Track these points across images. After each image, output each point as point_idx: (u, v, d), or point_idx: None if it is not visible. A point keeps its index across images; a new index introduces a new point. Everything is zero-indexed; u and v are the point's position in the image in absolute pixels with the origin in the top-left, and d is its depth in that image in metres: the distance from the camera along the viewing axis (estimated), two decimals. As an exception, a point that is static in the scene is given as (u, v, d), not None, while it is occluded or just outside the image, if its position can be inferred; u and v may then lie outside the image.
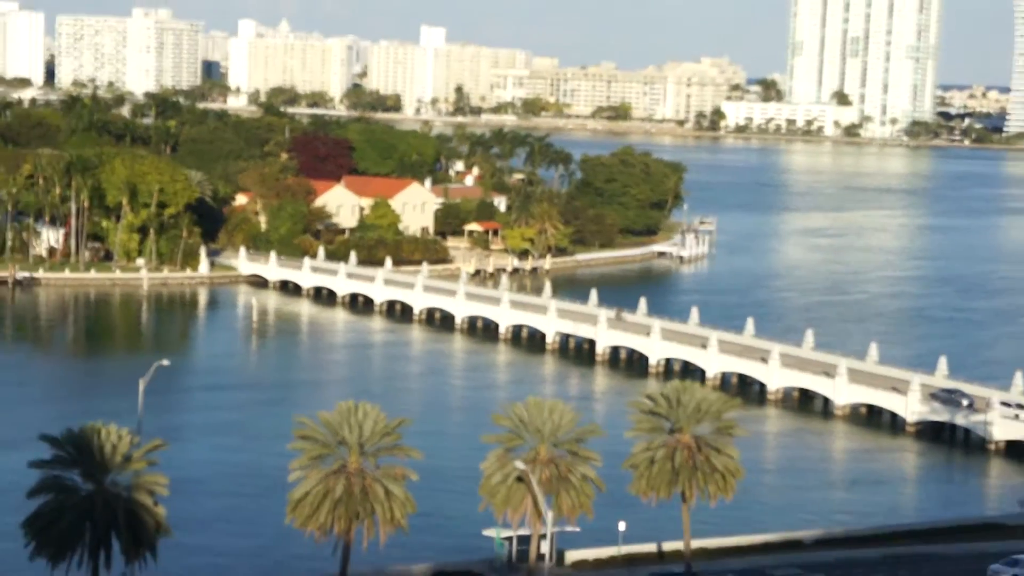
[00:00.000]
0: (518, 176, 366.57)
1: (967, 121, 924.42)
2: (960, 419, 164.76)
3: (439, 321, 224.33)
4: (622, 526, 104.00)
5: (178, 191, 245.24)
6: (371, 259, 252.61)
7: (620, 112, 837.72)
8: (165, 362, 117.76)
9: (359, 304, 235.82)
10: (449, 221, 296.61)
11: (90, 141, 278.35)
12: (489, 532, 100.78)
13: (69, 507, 76.72)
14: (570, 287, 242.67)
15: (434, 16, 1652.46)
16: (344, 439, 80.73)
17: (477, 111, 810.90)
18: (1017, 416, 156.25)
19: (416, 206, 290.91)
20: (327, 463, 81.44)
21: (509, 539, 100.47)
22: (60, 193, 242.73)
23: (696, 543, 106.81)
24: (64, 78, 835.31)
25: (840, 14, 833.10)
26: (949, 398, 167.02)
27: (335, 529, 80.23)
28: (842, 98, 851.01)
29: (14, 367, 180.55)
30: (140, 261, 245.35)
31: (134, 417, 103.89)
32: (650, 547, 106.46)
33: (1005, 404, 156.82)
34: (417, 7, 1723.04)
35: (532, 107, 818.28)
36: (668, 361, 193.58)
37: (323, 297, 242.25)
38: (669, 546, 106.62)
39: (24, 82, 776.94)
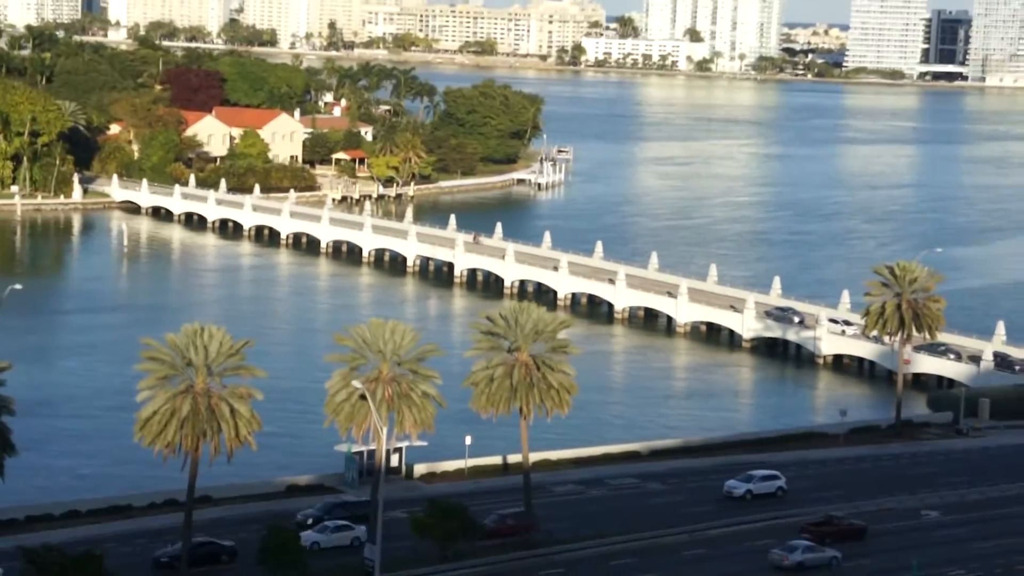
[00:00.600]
0: (384, 108, 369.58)
1: (810, 57, 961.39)
2: (792, 335, 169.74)
3: (305, 245, 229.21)
4: (468, 440, 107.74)
5: (51, 120, 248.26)
6: (241, 187, 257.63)
7: (486, 47, 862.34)
8: (18, 286, 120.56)
9: (228, 229, 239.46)
10: (317, 150, 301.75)
11: None
12: (340, 448, 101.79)
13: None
14: (432, 213, 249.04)
15: None
16: (191, 360, 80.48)
17: (350, 46, 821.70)
18: (843, 332, 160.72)
19: (285, 136, 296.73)
20: (174, 383, 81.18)
21: (360, 454, 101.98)
22: None
23: (540, 456, 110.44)
24: None
25: None
26: (782, 316, 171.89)
27: (183, 447, 79.35)
28: (694, 35, 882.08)
29: None
30: (14, 188, 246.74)
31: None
32: (495, 460, 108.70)
33: (832, 321, 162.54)
34: None
35: (402, 42, 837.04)
36: (523, 283, 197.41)
37: (194, 223, 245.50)
38: (514, 459, 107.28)
39: None
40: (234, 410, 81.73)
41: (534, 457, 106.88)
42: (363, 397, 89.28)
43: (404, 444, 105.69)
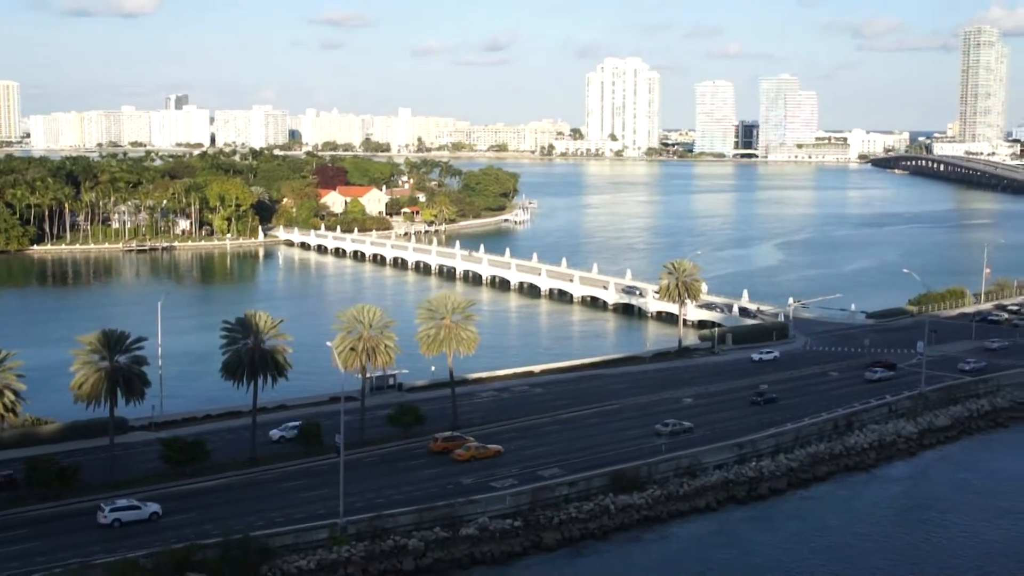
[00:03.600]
0: (433, 183, 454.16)
1: (675, 146, 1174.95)
2: (636, 301, 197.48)
3: (378, 260, 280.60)
4: (432, 369, 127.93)
5: (246, 198, 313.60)
6: (348, 229, 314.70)
7: (502, 148, 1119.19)
8: (168, 293, 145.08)
9: (340, 253, 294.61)
10: (394, 207, 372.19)
11: (211, 174, 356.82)
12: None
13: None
14: (455, 239, 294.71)
15: (405, 100, 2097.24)
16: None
17: (429, 150, 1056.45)
18: (649, 297, 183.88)
19: (375, 200, 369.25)
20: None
21: (371, 378, 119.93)
22: (185, 200, 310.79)
23: (471, 375, 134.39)
24: (220, 142, 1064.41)
25: (609, 94, 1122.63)
26: (631, 290, 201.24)
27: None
28: (613, 137, 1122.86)
29: (169, 288, 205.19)
30: (228, 236, 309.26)
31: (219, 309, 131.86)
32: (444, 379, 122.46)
33: (655, 293, 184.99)
34: (395, 95, 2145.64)
35: (457, 147, 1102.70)
36: (493, 277, 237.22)
37: (322, 250, 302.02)
38: (457, 378, 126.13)
39: (199, 145, 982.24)
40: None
41: (472, 376, 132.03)
42: (352, 349, 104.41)
43: (396, 372, 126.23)
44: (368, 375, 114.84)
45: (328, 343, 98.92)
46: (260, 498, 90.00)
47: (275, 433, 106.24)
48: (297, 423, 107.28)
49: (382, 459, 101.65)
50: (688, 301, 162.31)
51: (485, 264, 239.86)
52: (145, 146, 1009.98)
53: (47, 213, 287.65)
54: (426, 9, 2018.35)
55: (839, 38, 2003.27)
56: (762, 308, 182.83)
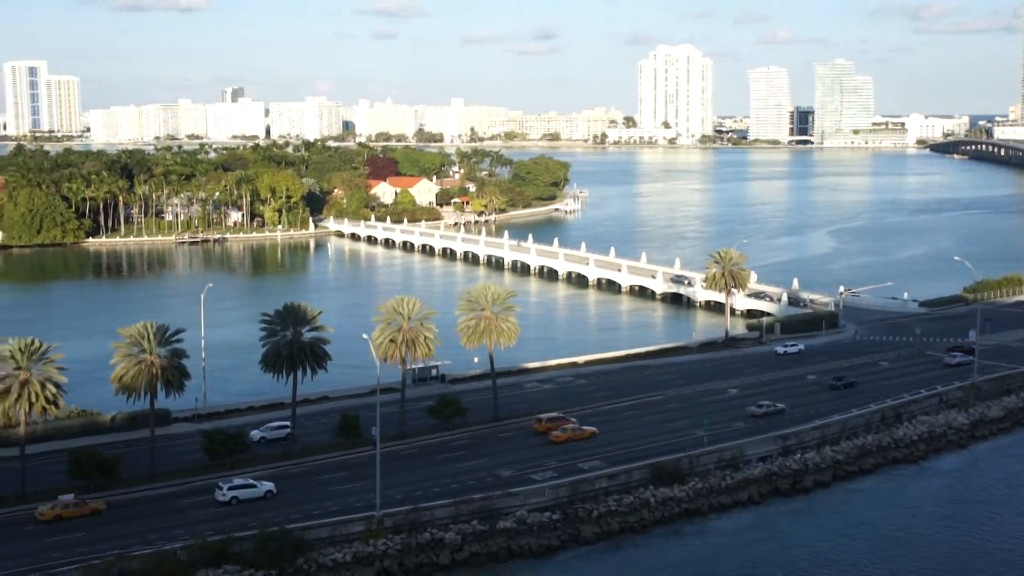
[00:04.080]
0: (484, 172, 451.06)
1: (729, 133, 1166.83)
2: (684, 291, 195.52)
3: (427, 250, 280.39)
4: (476, 360, 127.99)
5: (297, 189, 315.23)
6: (399, 220, 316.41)
7: (554, 136, 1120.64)
8: (210, 285, 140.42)
9: (390, 243, 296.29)
10: (443, 197, 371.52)
11: (263, 166, 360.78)
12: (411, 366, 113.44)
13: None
14: (505, 229, 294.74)
15: (457, 90, 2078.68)
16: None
17: (481, 139, 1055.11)
18: (697, 286, 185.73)
19: (425, 191, 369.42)
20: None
21: (413, 370, 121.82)
22: (236, 192, 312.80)
23: (516, 367, 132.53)
24: (275, 134, 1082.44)
25: (663, 82, 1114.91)
26: (679, 279, 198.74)
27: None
28: (666, 125, 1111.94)
29: (220, 279, 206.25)
30: (279, 227, 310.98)
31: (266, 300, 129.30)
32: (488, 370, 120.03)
33: (703, 282, 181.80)
34: (443, 85, 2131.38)
35: (510, 136, 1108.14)
36: (541, 267, 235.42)
37: (372, 240, 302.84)
38: (500, 369, 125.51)
39: (254, 137, 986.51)
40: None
41: (517, 367, 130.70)
42: (392, 340, 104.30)
43: (439, 363, 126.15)
44: (410, 367, 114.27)
45: (365, 335, 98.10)
46: (296, 490, 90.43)
47: (256, 434, 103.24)
48: (283, 424, 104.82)
49: (421, 451, 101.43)
50: (735, 290, 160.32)
51: (533, 254, 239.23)
52: (201, 139, 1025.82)
53: (102, 206, 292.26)
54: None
55: (894, 21, 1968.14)
56: (813, 297, 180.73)
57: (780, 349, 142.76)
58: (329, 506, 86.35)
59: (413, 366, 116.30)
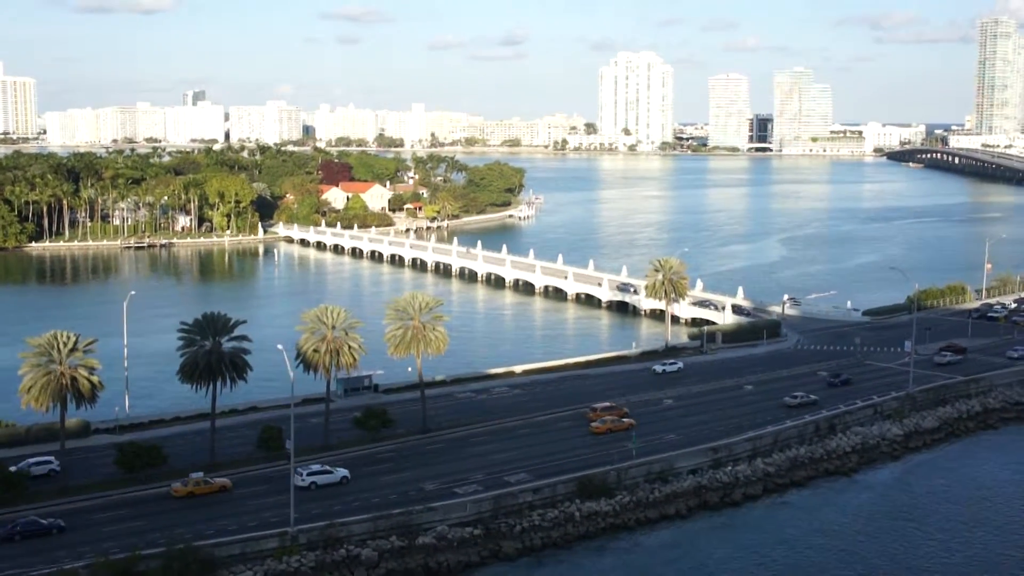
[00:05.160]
0: (439, 178, 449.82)
1: (689, 140, 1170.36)
2: (630, 299, 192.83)
3: (376, 256, 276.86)
4: (409, 369, 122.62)
5: (246, 194, 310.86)
6: (348, 225, 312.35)
7: (515, 143, 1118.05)
8: (132, 292, 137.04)
9: (338, 249, 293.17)
10: (397, 203, 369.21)
11: (215, 170, 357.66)
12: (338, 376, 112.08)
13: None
14: (457, 236, 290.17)
15: (420, 95, 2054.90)
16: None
17: (442, 145, 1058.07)
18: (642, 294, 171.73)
19: (377, 196, 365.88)
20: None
21: (344, 380, 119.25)
22: (184, 197, 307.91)
23: (451, 376, 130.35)
24: (234, 138, 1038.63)
25: (623, 88, 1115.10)
26: (625, 287, 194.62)
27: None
28: (627, 131, 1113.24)
29: (162, 287, 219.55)
30: (227, 232, 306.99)
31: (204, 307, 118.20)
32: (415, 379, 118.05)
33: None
34: (407, 90, 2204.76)
35: (471, 142, 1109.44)
36: (489, 274, 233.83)
37: (321, 246, 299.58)
38: (436, 379, 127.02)
39: (213, 141, 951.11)
40: (350, 347, 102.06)
41: (452, 377, 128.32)
42: (315, 351, 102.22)
43: (372, 373, 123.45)
44: (341, 377, 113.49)
45: (279, 346, 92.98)
46: (212, 505, 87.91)
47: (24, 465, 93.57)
48: (47, 459, 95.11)
49: (345, 464, 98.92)
50: (676, 299, 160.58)
51: (480, 261, 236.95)
52: (160, 142, 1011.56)
53: (45, 210, 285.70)
54: (442, 4, 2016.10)
55: (857, 30, 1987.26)
56: (757, 305, 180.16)
57: (659, 368, 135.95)
58: (246, 521, 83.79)
59: (344, 376, 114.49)
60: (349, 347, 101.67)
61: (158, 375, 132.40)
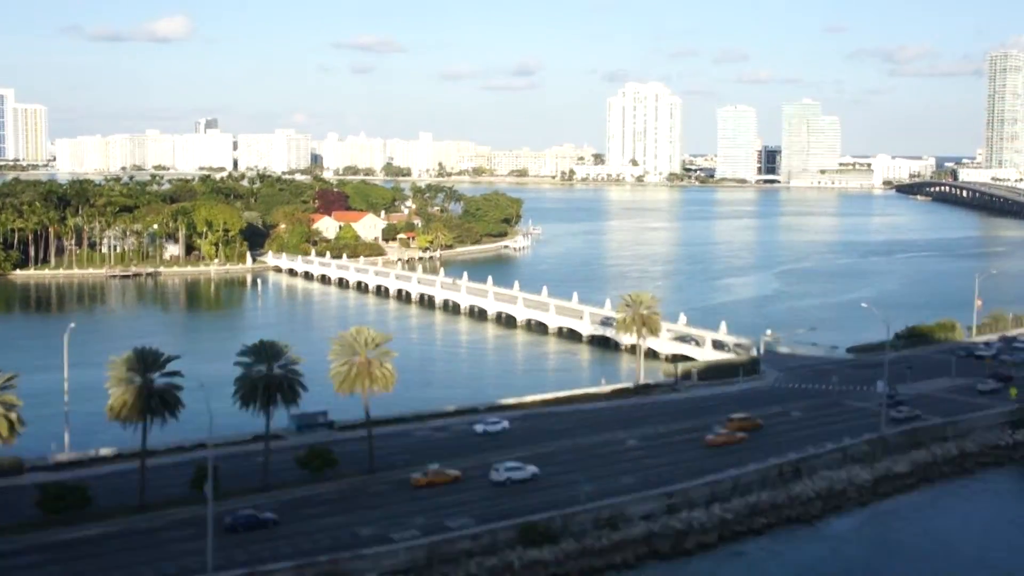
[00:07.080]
0: (437, 208, 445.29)
1: (697, 171, 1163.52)
2: (610, 333, 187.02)
3: (363, 287, 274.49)
4: (364, 406, 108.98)
5: (235, 223, 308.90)
6: (339, 256, 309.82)
7: (522, 172, 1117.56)
8: (72, 325, 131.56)
9: (327, 280, 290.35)
10: (391, 232, 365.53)
11: (210, 198, 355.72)
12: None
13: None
14: (448, 267, 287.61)
15: (430, 124, 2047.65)
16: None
17: (449, 174, 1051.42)
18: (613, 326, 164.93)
19: (370, 226, 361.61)
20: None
21: (298, 416, 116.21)
22: (173, 225, 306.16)
23: (411, 413, 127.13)
24: (242, 166, 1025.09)
25: (631, 119, 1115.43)
26: (607, 321, 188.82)
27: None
28: (634, 162, 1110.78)
29: (152, 316, 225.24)
30: (215, 261, 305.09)
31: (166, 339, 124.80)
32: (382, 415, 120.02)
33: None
34: (418, 120, 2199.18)
35: (478, 171, 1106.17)
36: (472, 306, 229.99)
37: (311, 277, 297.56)
38: (395, 416, 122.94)
39: (221, 169, 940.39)
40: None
41: (411, 413, 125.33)
42: (255, 386, 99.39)
43: (326, 410, 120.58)
44: (295, 413, 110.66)
45: (202, 384, 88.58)
46: (136, 549, 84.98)
47: None
48: None
49: (281, 506, 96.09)
50: (648, 335, 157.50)
51: (464, 292, 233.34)
52: (168, 169, 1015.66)
53: (31, 237, 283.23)
54: (456, 34, 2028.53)
55: (870, 63, 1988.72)
56: (738, 341, 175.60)
57: (480, 428, 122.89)
58: (166, 568, 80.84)
59: (297, 412, 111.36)
60: (290, 384, 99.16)
61: (102, 410, 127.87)
